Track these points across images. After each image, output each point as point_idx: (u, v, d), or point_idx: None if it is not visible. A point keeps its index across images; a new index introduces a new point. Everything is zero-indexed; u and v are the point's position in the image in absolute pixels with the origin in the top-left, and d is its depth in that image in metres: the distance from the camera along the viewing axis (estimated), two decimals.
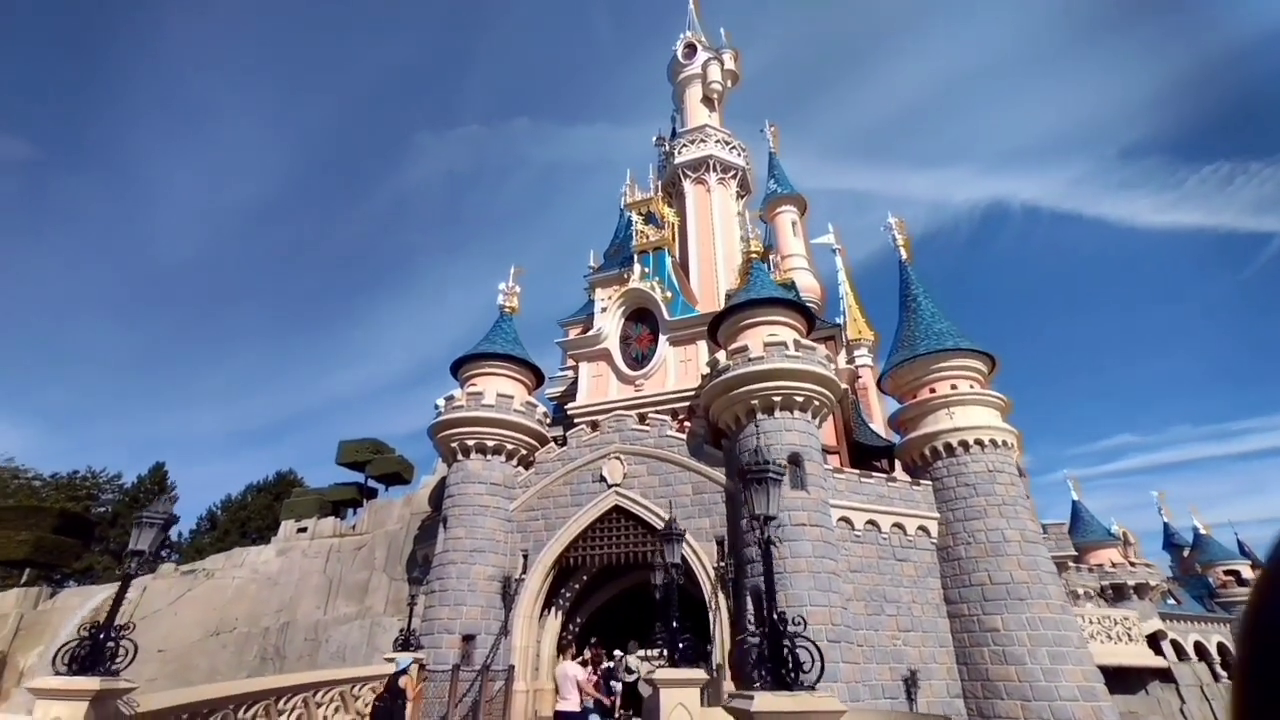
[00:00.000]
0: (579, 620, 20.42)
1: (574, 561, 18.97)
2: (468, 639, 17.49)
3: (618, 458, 19.40)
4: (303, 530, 28.18)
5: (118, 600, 6.52)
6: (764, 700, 3.84)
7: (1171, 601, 36.45)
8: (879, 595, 16.99)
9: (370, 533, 24.83)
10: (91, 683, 5.68)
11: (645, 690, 8.44)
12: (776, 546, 14.70)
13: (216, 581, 23.07)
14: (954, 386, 20.38)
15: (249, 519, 49.45)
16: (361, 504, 33.59)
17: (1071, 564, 30.58)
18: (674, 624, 7.45)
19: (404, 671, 9.97)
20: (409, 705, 9.66)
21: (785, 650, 4.26)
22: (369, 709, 12.11)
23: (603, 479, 19.27)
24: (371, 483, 36.69)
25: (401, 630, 13.61)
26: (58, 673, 5.69)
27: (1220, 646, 36.04)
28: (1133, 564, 33.55)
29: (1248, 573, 39.68)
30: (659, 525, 17.79)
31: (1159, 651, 26.84)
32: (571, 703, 8.62)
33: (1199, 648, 34.71)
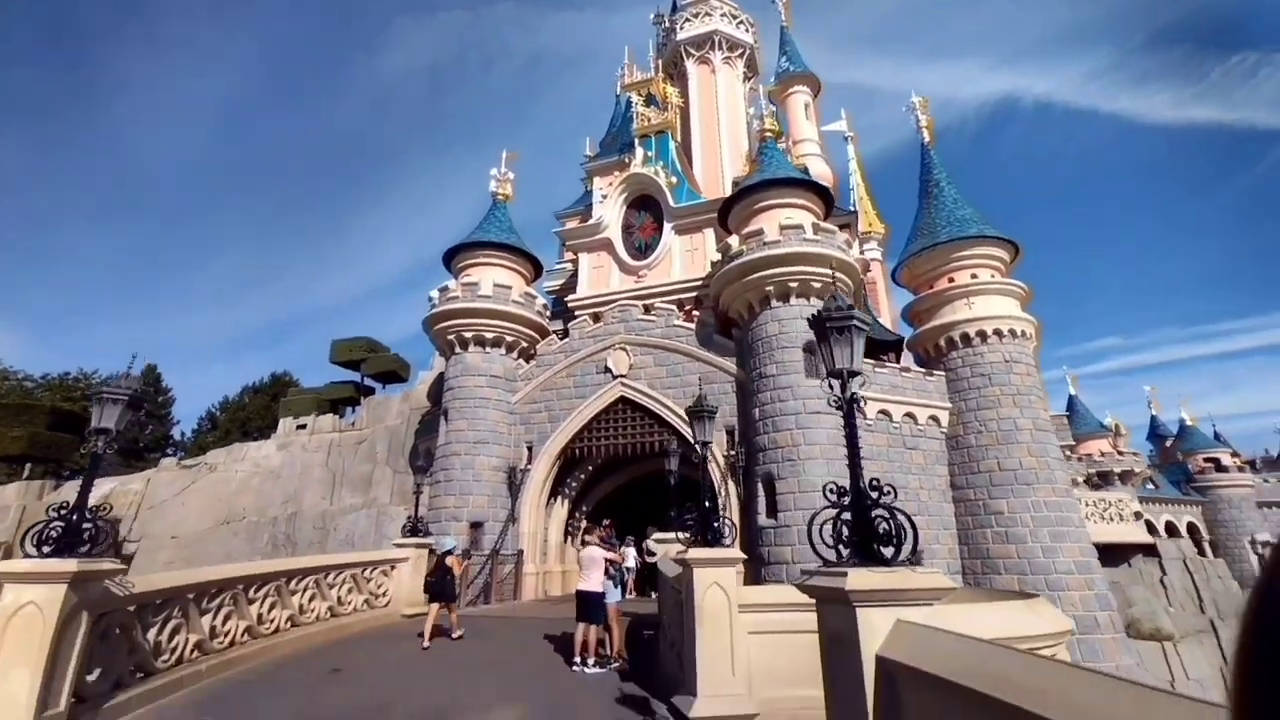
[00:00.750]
0: (584, 508, 20.62)
1: (579, 452, 18.76)
2: (475, 526, 17.57)
3: (623, 348, 18.68)
4: (302, 427, 27.97)
5: (87, 482, 5.84)
6: (860, 578, 3.13)
7: (1150, 486, 37.93)
8: (888, 481, 16.91)
9: (370, 428, 24.55)
10: (67, 564, 5.07)
11: (669, 570, 8.09)
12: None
13: (219, 475, 23.00)
14: (974, 275, 19.42)
15: (249, 419, 49.50)
16: (359, 402, 33.30)
17: (1066, 453, 31.20)
18: (706, 503, 6.89)
19: (450, 552, 11.07)
20: (457, 580, 11.13)
21: (878, 522, 3.50)
22: (381, 590, 12.11)
23: (607, 370, 18.66)
24: (368, 382, 36.27)
25: (409, 518, 13.41)
26: (27, 555, 5.07)
27: (1190, 526, 38.34)
28: (1120, 453, 34.42)
29: (1226, 459, 41.40)
30: (667, 416, 17.41)
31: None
32: (593, 583, 8.28)
33: (1170, 527, 36.80)
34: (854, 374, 4.38)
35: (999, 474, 17.13)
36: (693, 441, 7.28)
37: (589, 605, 8.37)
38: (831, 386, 4.44)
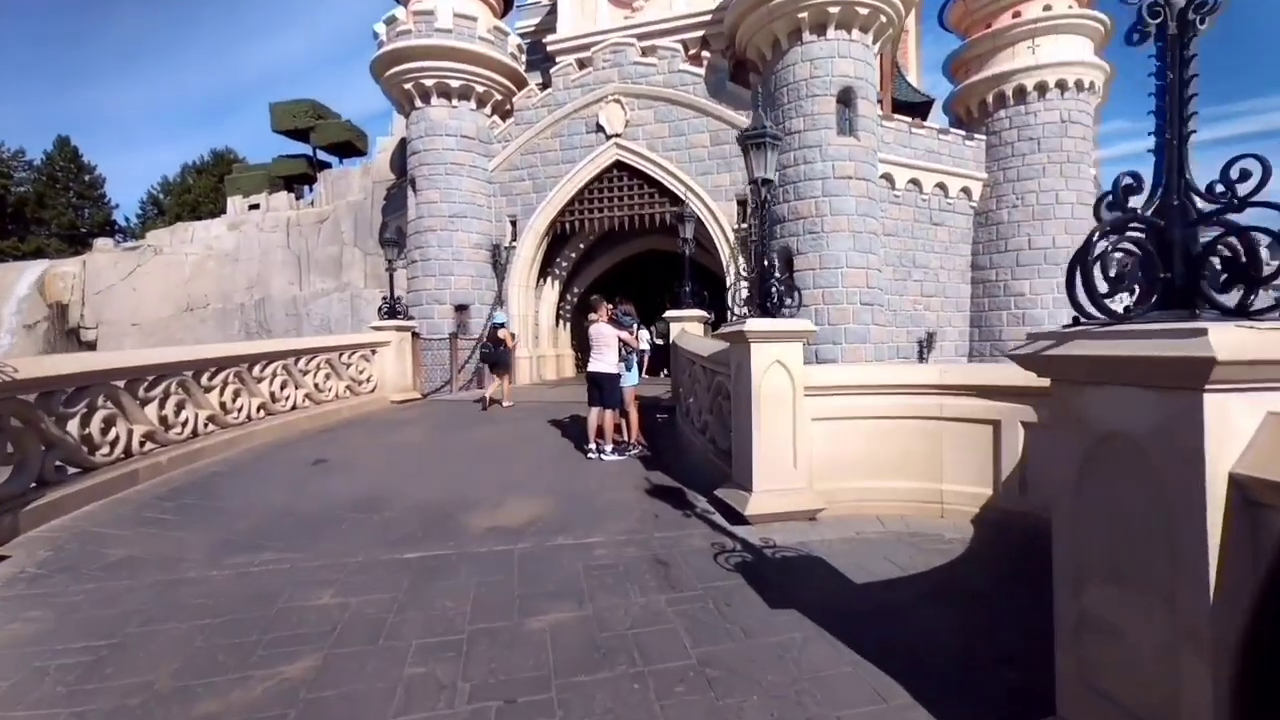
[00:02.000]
0: (576, 290, 19.30)
1: (569, 227, 16.75)
2: (461, 309, 16.26)
3: (617, 100, 15.61)
4: (255, 207, 24.98)
5: None
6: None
7: None
8: (908, 260, 15.60)
9: (331, 204, 21.83)
10: None
11: (700, 347, 6.86)
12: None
13: (168, 258, 20.76)
14: (1047, 7, 15.83)
15: (199, 202, 45.16)
16: (314, 180, 29.74)
17: None
18: (765, 262, 5.32)
19: (502, 325, 11.72)
20: (510, 351, 11.70)
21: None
22: (365, 376, 11.06)
23: (599, 129, 15.80)
24: (322, 156, 32.11)
25: (385, 299, 11.87)
26: None
27: None
28: None
29: None
30: (670, 183, 15.18)
31: None
32: (606, 363, 7.06)
33: None
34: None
35: (1027, 253, 15.80)
36: (754, 178, 5.43)
37: (602, 388, 7.28)
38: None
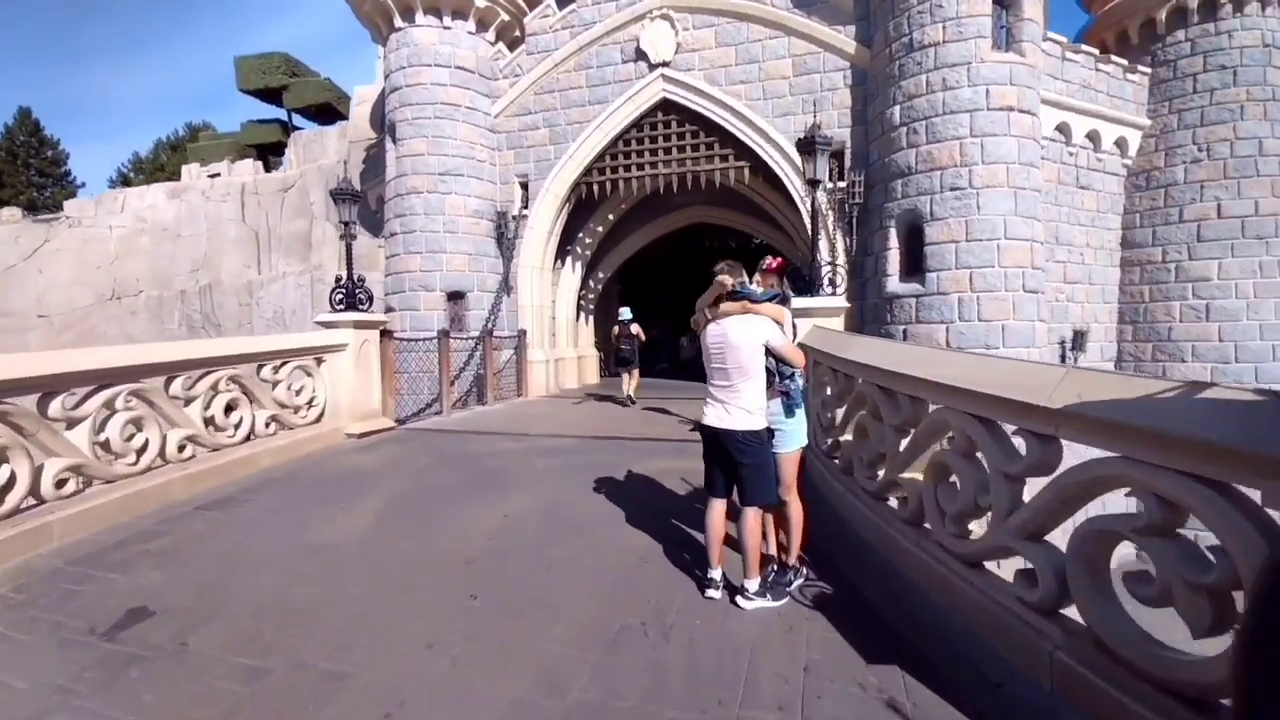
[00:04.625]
0: (601, 275, 15.35)
1: (598, 190, 12.75)
2: (455, 297, 12.33)
3: (665, 17, 11.59)
4: (215, 177, 21.01)
5: None
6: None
7: None
8: (1051, 235, 11.64)
9: (299, 169, 17.81)
10: None
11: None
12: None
13: (88, 232, 16.75)
14: None
15: (173, 179, 41.13)
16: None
17: None
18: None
19: (632, 321, 10.80)
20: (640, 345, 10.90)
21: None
22: (302, 399, 7.16)
23: (640, 56, 11.81)
24: (299, 122, 28.05)
25: (339, 280, 7.96)
26: None
27: None
28: None
29: None
30: (735, 129, 11.24)
31: None
32: (744, 405, 3.53)
33: None
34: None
35: (1214, 224, 11.83)
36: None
37: (740, 462, 3.35)
38: None
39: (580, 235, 14.04)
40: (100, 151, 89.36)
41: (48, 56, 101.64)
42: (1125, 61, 12.35)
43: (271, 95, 27.03)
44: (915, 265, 9.66)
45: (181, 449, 5.55)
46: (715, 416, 3.47)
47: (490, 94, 12.78)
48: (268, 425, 6.63)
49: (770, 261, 3.80)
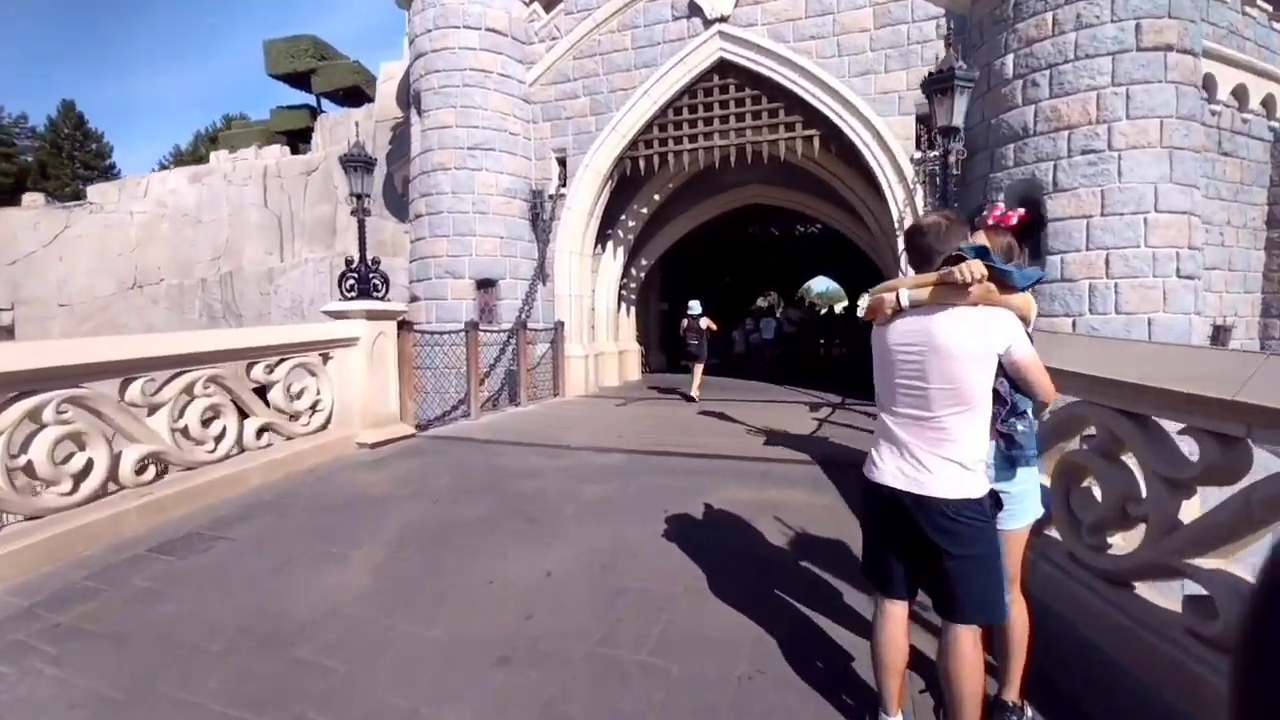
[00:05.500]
0: (644, 263, 13.98)
1: (643, 165, 11.34)
2: (485, 285, 11.11)
3: None
4: (239, 159, 20.31)
5: None
6: None
7: None
8: (1189, 206, 9.81)
9: (323, 151, 16.87)
10: None
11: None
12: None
13: (109, 218, 16.10)
14: None
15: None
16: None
17: None
18: None
19: (701, 315, 10.35)
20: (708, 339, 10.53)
21: None
22: (305, 403, 6.01)
23: (695, 11, 10.34)
24: (328, 105, 27.35)
25: (349, 264, 6.79)
26: None
27: None
28: None
29: None
30: (807, 92, 9.72)
31: None
32: (958, 460, 2.09)
33: None
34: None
35: None
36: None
37: (938, 549, 1.90)
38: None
39: (623, 218, 12.68)
40: (148, 150, 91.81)
41: (103, 63, 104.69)
42: (1270, 7, 10.37)
43: (300, 80, 26.37)
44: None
45: (141, 469, 4.40)
46: (898, 471, 2.04)
47: (524, 60, 11.48)
48: (259, 435, 5.46)
49: (999, 213, 2.33)
